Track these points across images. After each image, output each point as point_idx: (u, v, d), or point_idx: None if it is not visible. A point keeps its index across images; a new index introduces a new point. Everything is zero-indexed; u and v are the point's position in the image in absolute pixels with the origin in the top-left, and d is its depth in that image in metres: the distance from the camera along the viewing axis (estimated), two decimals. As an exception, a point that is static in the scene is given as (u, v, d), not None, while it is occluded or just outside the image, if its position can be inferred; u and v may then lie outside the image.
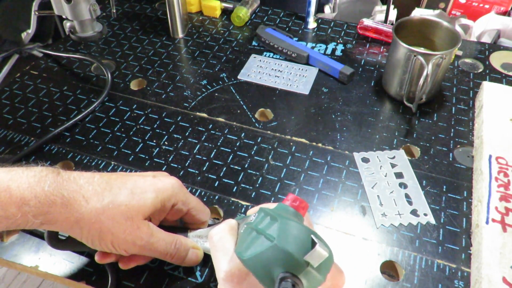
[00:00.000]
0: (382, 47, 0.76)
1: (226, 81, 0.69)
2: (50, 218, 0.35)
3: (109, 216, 0.37)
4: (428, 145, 0.59)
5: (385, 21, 0.82)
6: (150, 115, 0.64)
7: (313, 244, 0.28)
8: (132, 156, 0.58)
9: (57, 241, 0.42)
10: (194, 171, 0.56)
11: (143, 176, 0.41)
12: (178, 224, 0.46)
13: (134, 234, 0.38)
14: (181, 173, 0.56)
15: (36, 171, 0.36)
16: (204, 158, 0.57)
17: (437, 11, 0.94)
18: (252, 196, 0.53)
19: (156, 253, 0.40)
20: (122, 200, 0.38)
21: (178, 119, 0.63)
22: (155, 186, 0.40)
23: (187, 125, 0.62)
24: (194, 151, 0.58)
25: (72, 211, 0.36)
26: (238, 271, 0.32)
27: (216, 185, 0.54)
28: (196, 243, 0.44)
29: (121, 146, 0.59)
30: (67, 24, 0.67)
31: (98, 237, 0.37)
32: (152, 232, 0.39)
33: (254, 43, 0.77)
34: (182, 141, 0.60)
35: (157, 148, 0.59)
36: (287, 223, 0.30)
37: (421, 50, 0.60)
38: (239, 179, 0.55)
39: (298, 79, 0.70)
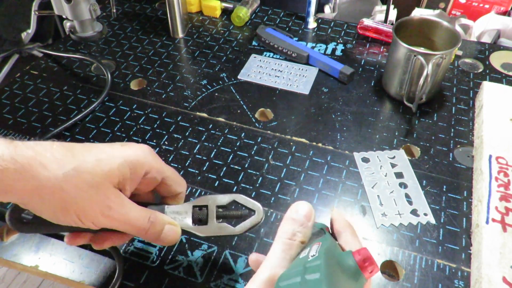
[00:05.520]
0: (382, 47, 0.76)
1: (226, 81, 0.69)
2: (3, 187, 0.32)
3: (73, 184, 0.33)
4: (428, 145, 0.59)
5: (385, 21, 0.82)
6: (150, 115, 0.64)
7: None
8: (132, 156, 0.58)
9: (21, 223, 0.38)
10: (194, 171, 0.56)
11: (111, 145, 0.38)
12: (154, 200, 0.43)
13: (101, 203, 0.34)
14: (181, 173, 0.56)
15: None
16: (204, 158, 0.57)
17: (437, 11, 0.94)
18: (252, 196, 0.53)
19: (128, 226, 0.37)
20: (86, 166, 0.34)
21: (178, 119, 0.63)
22: (124, 152, 0.37)
23: (187, 125, 0.62)
24: (194, 151, 0.58)
25: (28, 178, 0.32)
26: None
27: (216, 185, 0.54)
28: (174, 220, 0.40)
29: (121, 146, 0.59)
30: (67, 24, 0.67)
31: (61, 208, 0.33)
32: (122, 202, 0.36)
33: (254, 43, 0.77)
34: (182, 141, 0.60)
35: (157, 148, 0.59)
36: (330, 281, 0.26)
37: (421, 50, 0.60)
38: (239, 179, 0.55)
39: (298, 79, 0.70)
